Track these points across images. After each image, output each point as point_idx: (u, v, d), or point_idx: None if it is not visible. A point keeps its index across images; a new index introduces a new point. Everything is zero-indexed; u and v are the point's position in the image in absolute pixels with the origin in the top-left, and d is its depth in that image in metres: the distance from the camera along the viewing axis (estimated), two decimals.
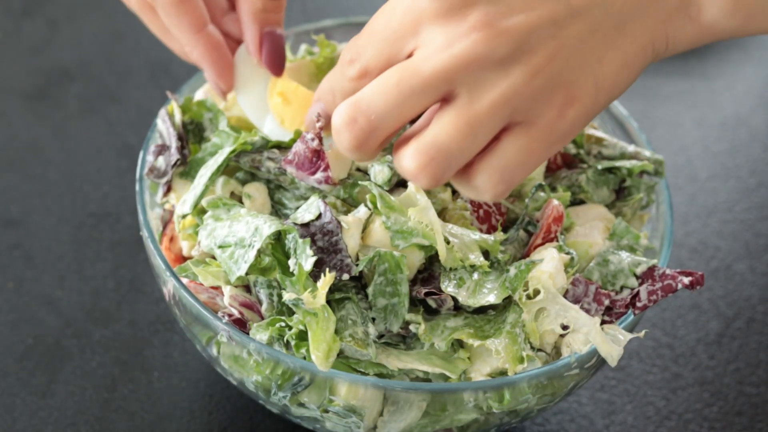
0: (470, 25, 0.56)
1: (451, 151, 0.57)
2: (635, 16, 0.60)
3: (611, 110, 0.88)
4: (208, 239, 0.72)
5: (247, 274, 0.70)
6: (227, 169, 0.78)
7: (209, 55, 0.77)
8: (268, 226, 0.69)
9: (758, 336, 0.94)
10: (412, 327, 0.71)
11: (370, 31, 0.62)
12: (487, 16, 0.56)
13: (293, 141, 0.77)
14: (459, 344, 0.72)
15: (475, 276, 0.71)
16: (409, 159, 0.59)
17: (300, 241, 0.68)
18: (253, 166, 0.76)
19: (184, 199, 0.76)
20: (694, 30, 0.62)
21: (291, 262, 0.69)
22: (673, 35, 0.62)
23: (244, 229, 0.71)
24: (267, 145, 0.77)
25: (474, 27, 0.56)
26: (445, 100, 0.58)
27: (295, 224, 0.71)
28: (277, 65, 0.78)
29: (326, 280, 0.67)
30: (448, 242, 0.71)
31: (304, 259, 0.68)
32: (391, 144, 0.76)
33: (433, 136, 0.58)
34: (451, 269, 0.72)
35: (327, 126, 0.70)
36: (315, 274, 0.69)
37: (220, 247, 0.71)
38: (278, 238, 0.71)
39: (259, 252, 0.70)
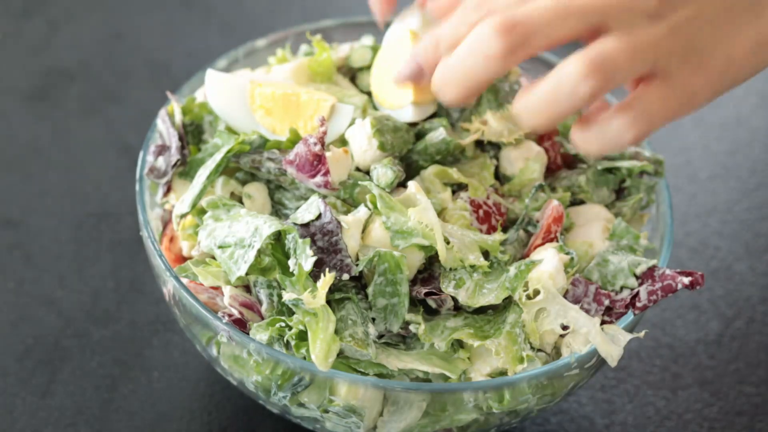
0: None
1: (617, 62, 0.60)
2: None
3: None
4: (207, 239, 0.72)
5: (247, 274, 0.70)
6: (227, 170, 0.78)
7: None
8: (268, 226, 0.69)
9: (758, 336, 0.94)
10: (412, 327, 0.71)
11: None
12: None
13: (290, 141, 0.77)
14: (459, 344, 0.72)
15: (475, 276, 0.71)
16: (574, 64, 0.60)
17: (300, 241, 0.68)
18: (253, 167, 0.76)
19: (182, 199, 0.76)
20: None
21: (291, 262, 0.69)
22: None
23: (243, 230, 0.71)
24: (265, 145, 0.77)
25: None
26: (594, 35, 0.62)
27: (295, 224, 0.71)
28: None
29: (326, 280, 0.67)
30: (447, 242, 0.71)
31: (304, 259, 0.68)
32: (392, 146, 0.76)
33: (599, 48, 0.61)
34: (451, 269, 0.72)
35: (420, 84, 0.73)
36: (315, 274, 0.69)
37: (219, 247, 0.71)
38: (278, 238, 0.71)
39: (259, 252, 0.70)
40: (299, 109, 0.79)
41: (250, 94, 0.79)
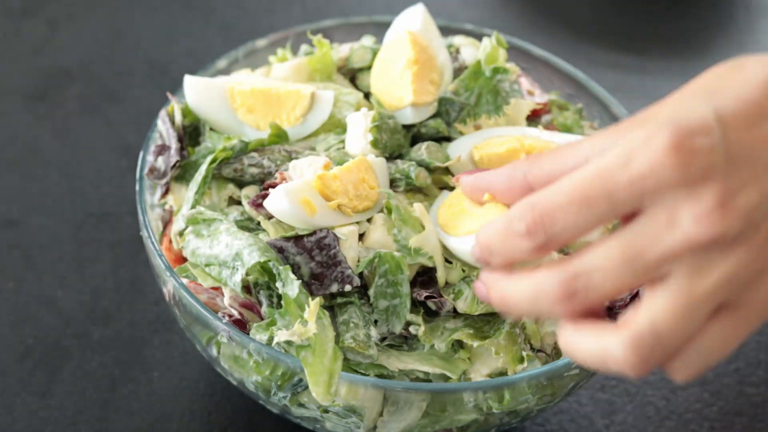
0: (708, 204, 0.52)
1: (670, 340, 0.53)
2: None
3: (611, 110, 0.88)
4: (192, 258, 0.72)
5: (247, 274, 0.70)
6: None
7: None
8: (248, 253, 0.69)
9: (758, 336, 0.94)
10: (412, 329, 0.71)
11: (567, 197, 0.55)
12: (725, 193, 0.52)
13: (273, 137, 0.77)
14: (459, 345, 0.72)
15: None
16: (622, 350, 0.54)
17: (281, 268, 0.68)
18: (236, 176, 0.76)
19: (178, 216, 0.76)
20: None
21: (278, 285, 0.68)
22: None
23: (225, 252, 0.70)
24: (247, 147, 0.77)
25: (711, 207, 0.52)
26: (657, 279, 0.54)
27: (289, 239, 0.70)
28: None
29: (312, 309, 0.66)
30: (450, 262, 0.72)
31: (289, 284, 0.67)
32: (385, 146, 0.76)
33: (650, 323, 0.53)
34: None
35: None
36: (316, 288, 0.69)
37: (206, 265, 0.71)
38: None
39: (247, 272, 0.70)
40: (280, 101, 0.79)
41: (229, 94, 0.79)
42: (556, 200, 0.55)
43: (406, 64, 0.80)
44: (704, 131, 0.53)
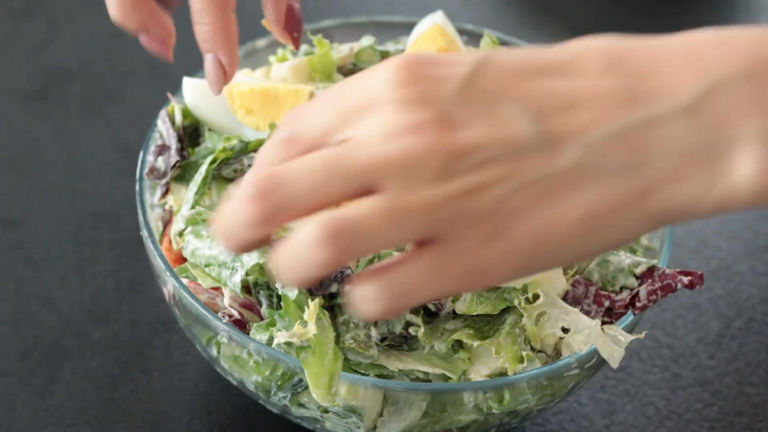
0: (418, 123, 0.50)
1: (363, 229, 0.50)
2: (624, 166, 0.50)
3: None
4: (192, 258, 0.72)
5: (247, 275, 0.70)
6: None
7: (228, 37, 0.75)
8: (247, 254, 0.69)
9: (758, 336, 0.94)
10: (411, 330, 0.71)
11: (317, 104, 0.55)
12: (442, 118, 0.50)
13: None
14: (459, 345, 0.72)
15: None
16: (310, 229, 0.51)
17: None
18: (236, 176, 0.76)
19: (177, 216, 0.76)
20: (715, 194, 0.50)
21: (278, 285, 0.68)
22: (688, 196, 0.50)
23: (225, 253, 0.70)
24: (247, 147, 0.77)
25: (422, 126, 0.50)
26: (371, 191, 0.51)
27: None
28: (298, 39, 0.79)
29: (311, 310, 0.66)
30: None
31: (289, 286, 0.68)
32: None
33: (342, 212, 0.51)
34: None
35: None
36: (316, 287, 0.69)
37: (205, 266, 0.71)
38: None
39: (247, 272, 0.70)
40: (278, 102, 0.79)
41: (228, 95, 0.79)
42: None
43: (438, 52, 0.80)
44: (445, 63, 0.52)
